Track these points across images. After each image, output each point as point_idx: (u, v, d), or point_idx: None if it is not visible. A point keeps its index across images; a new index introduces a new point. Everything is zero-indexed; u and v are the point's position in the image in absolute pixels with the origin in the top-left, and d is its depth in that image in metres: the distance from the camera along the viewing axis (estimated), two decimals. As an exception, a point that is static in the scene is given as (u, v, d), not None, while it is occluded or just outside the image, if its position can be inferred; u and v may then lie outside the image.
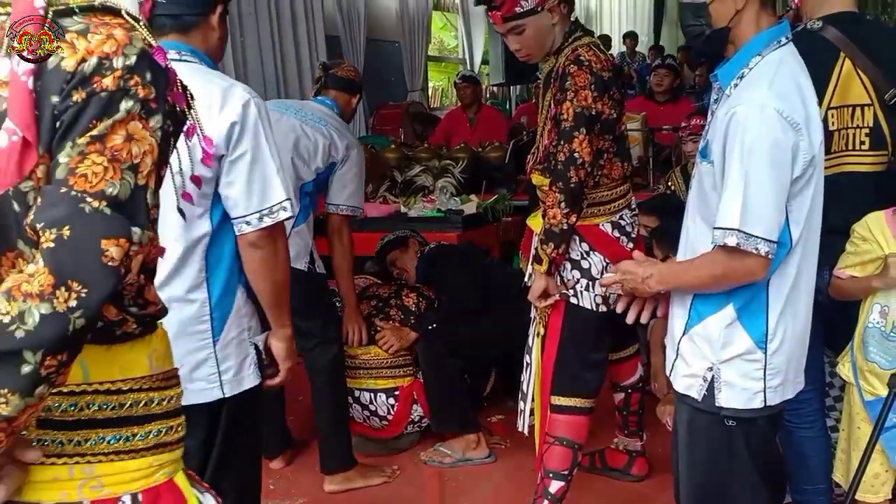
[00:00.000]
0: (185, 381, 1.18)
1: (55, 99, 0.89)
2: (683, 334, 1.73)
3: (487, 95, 9.30)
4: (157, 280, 1.17)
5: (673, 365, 1.77)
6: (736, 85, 1.63)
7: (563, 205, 2.21)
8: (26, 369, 0.83)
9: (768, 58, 1.61)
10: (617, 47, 11.11)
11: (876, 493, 2.04)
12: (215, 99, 1.69)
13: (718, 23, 1.64)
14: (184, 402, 1.12)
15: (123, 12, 0.95)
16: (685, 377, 1.72)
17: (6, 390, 0.83)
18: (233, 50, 5.29)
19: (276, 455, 3.15)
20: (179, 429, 1.08)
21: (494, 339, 3.25)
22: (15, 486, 0.93)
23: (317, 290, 2.77)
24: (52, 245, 0.85)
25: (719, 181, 1.60)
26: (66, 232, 0.85)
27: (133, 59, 0.92)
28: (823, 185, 1.68)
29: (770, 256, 1.55)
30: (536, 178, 2.45)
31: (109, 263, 0.87)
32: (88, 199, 0.87)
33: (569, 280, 2.39)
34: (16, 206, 0.92)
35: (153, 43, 0.96)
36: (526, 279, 2.53)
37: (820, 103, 1.94)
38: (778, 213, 1.55)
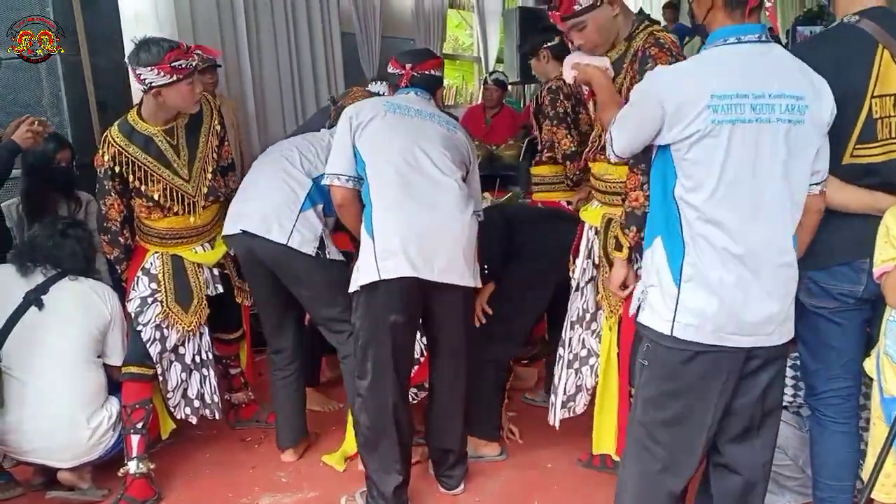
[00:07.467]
0: None
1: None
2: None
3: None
4: None
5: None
6: None
7: (645, 187, 2.17)
8: None
9: (702, 52, 1.90)
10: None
11: (888, 493, 2.03)
12: None
13: (697, 19, 1.95)
14: None
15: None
16: (636, 297, 2.05)
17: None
18: (248, 46, 5.33)
19: (289, 447, 3.16)
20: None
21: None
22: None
23: (338, 276, 2.78)
24: None
25: None
26: None
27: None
28: (748, 145, 1.80)
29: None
30: (600, 167, 2.48)
31: None
32: None
33: None
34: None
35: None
36: (571, 274, 2.62)
37: (864, 92, 2.00)
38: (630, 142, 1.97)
